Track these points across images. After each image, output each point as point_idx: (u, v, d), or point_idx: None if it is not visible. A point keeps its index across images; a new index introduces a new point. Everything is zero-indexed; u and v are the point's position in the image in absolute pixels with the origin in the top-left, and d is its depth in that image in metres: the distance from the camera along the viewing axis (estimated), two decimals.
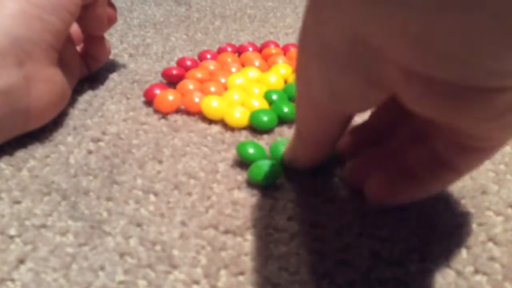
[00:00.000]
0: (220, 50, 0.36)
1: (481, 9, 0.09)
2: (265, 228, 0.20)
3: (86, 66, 0.31)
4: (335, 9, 0.13)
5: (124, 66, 0.34)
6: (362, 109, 0.16)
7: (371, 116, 0.22)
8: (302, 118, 0.19)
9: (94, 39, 0.30)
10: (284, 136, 0.26)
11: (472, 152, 0.15)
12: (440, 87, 0.11)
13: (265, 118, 0.26)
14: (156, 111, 0.29)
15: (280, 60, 0.33)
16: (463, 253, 0.19)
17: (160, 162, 0.24)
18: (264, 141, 0.26)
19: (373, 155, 0.21)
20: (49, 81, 0.25)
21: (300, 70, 0.17)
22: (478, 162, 0.16)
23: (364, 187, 0.20)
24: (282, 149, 0.23)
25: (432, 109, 0.12)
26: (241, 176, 0.23)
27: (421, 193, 0.18)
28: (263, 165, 0.22)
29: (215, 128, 0.27)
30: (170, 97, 0.28)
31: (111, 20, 0.31)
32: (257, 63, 0.33)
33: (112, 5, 0.31)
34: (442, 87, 0.11)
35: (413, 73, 0.11)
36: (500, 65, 0.10)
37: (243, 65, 0.34)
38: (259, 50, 0.36)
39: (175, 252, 0.19)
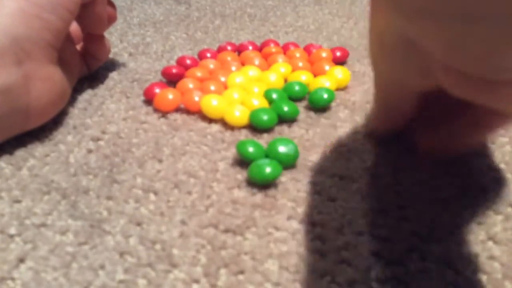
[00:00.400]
0: (220, 49, 0.36)
1: (490, 21, 0.11)
2: (265, 227, 0.20)
3: (86, 65, 0.31)
4: (387, 15, 0.16)
5: (124, 65, 0.34)
6: (417, 90, 0.19)
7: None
8: (377, 90, 0.22)
9: (94, 38, 0.30)
10: (284, 136, 0.26)
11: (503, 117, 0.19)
12: (468, 79, 0.14)
13: (265, 117, 0.26)
14: (156, 110, 0.29)
15: (280, 59, 0.33)
16: (463, 252, 0.19)
17: (160, 161, 0.24)
18: (264, 140, 0.26)
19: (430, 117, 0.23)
20: (48, 80, 0.25)
21: (371, 52, 0.20)
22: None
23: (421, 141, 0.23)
24: (280, 148, 0.23)
25: (465, 94, 0.15)
26: (241, 175, 0.23)
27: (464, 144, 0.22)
28: (263, 164, 0.22)
29: (215, 127, 0.27)
30: (170, 96, 0.28)
31: (111, 19, 0.30)
32: (257, 62, 0.33)
33: (112, 4, 0.31)
34: (470, 79, 0.14)
35: (450, 68, 0.14)
36: (508, 64, 0.13)
37: (243, 64, 0.34)
38: (259, 49, 0.36)
39: (175, 251, 0.19)
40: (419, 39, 0.14)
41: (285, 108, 0.27)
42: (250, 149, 0.23)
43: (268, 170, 0.22)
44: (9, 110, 0.23)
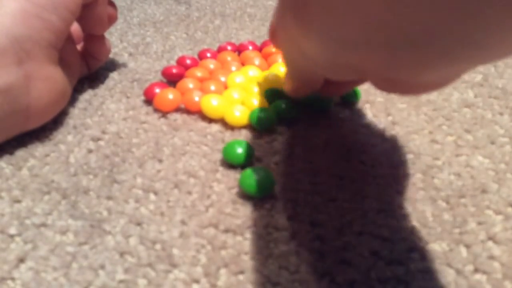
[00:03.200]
0: (220, 49, 0.36)
1: (377, 48, 0.13)
2: (265, 227, 0.20)
3: (86, 65, 0.31)
4: (312, 44, 0.16)
5: (124, 65, 0.34)
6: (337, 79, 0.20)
7: None
8: (288, 69, 0.23)
9: (94, 38, 0.30)
10: (284, 136, 0.26)
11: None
12: (396, 83, 0.15)
13: (264, 118, 0.26)
14: (156, 110, 0.29)
15: (280, 59, 0.33)
16: (463, 252, 0.19)
17: (160, 161, 0.24)
18: (263, 140, 0.26)
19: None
20: (49, 80, 0.25)
21: (281, 44, 0.21)
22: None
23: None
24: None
25: (390, 91, 0.17)
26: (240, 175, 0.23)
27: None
28: (254, 176, 0.21)
29: (215, 127, 0.27)
30: (170, 96, 0.28)
31: (112, 19, 0.30)
32: (257, 62, 0.33)
33: (112, 4, 0.30)
34: (398, 83, 0.15)
35: (380, 77, 0.16)
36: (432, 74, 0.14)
37: (243, 64, 0.34)
38: (259, 49, 0.36)
39: (175, 251, 0.19)
40: (352, 62, 0.15)
41: (285, 108, 0.27)
42: (239, 150, 0.23)
43: (260, 182, 0.21)
44: (9, 110, 0.23)
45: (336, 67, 0.17)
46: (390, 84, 0.16)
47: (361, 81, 0.24)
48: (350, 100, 0.29)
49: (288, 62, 0.23)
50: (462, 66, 0.13)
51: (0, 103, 0.22)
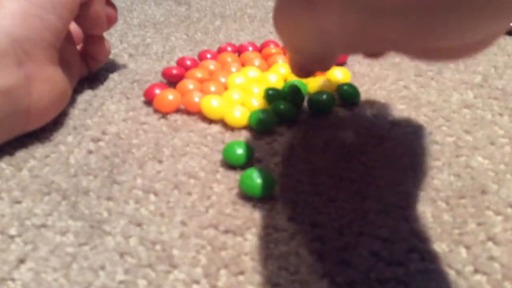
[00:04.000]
0: (220, 50, 0.36)
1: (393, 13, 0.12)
2: (265, 228, 0.20)
3: (86, 66, 0.31)
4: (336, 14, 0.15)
5: (124, 66, 0.34)
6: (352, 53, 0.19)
7: None
8: (291, 58, 0.22)
9: (93, 39, 0.30)
10: (284, 136, 0.26)
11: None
12: (425, 51, 0.15)
13: (264, 119, 0.26)
14: (156, 111, 0.29)
15: (280, 59, 0.33)
16: (463, 252, 0.19)
17: (160, 162, 0.24)
18: (263, 141, 0.26)
19: None
20: (49, 80, 0.25)
21: (280, 18, 0.18)
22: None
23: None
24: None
25: (419, 59, 0.16)
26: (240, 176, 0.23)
27: None
28: (254, 177, 0.21)
29: (215, 128, 0.27)
30: (170, 97, 0.28)
31: (111, 20, 0.30)
32: (257, 63, 0.33)
33: (112, 5, 0.30)
34: (426, 51, 0.15)
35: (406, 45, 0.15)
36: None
37: (243, 65, 0.34)
38: (259, 49, 0.36)
39: (175, 252, 0.19)
40: (382, 32, 0.14)
41: (283, 108, 0.27)
42: (239, 151, 0.23)
43: (261, 182, 0.21)
44: (10, 111, 0.23)
45: (361, 40, 0.15)
46: (423, 52, 0.15)
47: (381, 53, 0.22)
48: (350, 100, 0.29)
49: (295, 43, 0.20)
50: (505, 21, 0.13)
51: (1, 104, 0.22)
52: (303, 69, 0.23)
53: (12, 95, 0.23)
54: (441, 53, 0.15)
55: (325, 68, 0.22)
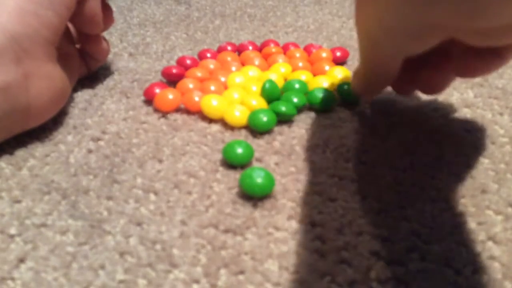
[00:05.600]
0: (220, 49, 0.36)
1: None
2: (265, 227, 0.20)
3: (85, 65, 0.31)
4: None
5: (124, 65, 0.34)
6: (415, 50, 0.19)
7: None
8: (364, 55, 0.23)
9: (90, 38, 0.30)
10: (284, 135, 0.26)
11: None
12: (484, 32, 0.16)
13: (264, 119, 0.26)
14: (156, 110, 0.29)
15: (280, 59, 0.33)
16: (463, 252, 0.19)
17: (160, 161, 0.24)
18: (263, 140, 0.26)
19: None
20: (48, 77, 0.25)
21: (358, 11, 0.21)
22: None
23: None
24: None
25: (479, 42, 0.17)
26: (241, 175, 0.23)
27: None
28: (254, 176, 0.21)
29: (215, 127, 0.27)
30: (170, 96, 0.28)
31: (108, 21, 0.30)
32: (257, 62, 0.33)
33: (107, 5, 0.30)
34: (485, 32, 0.16)
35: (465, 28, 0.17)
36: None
37: (243, 64, 0.34)
38: (259, 49, 0.36)
39: (175, 251, 0.19)
40: (437, 19, 0.15)
41: (283, 108, 0.27)
42: (239, 150, 0.23)
43: (261, 181, 0.21)
44: (9, 109, 0.23)
45: (418, 30, 0.17)
46: (482, 36, 0.16)
47: (443, 64, 0.23)
48: (350, 100, 0.29)
49: (364, 44, 0.22)
50: None
51: (0, 102, 0.22)
52: (369, 84, 0.25)
53: (10, 92, 0.23)
54: (491, 34, 0.16)
55: (385, 82, 0.24)
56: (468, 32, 0.16)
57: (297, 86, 0.29)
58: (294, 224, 0.20)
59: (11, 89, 0.23)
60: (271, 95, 0.28)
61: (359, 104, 0.29)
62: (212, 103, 0.27)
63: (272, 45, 0.36)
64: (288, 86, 0.29)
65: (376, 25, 0.19)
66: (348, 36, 0.40)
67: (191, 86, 0.30)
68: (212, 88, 0.29)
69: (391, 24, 0.18)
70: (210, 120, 0.28)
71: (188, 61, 0.33)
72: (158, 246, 0.19)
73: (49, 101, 0.25)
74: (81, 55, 0.31)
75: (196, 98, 0.28)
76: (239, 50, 0.36)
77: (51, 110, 0.26)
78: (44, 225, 0.20)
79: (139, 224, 0.20)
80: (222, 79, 0.31)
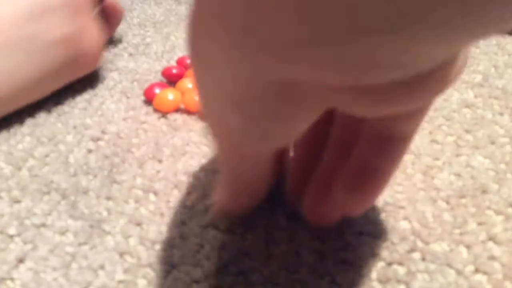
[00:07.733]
0: None
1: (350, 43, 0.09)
2: (265, 227, 0.20)
3: (107, 27, 0.33)
4: (242, 56, 0.11)
5: (124, 65, 0.34)
6: (291, 138, 0.15)
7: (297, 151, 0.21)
8: (224, 161, 0.17)
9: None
10: None
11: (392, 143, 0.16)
12: (364, 92, 0.12)
13: None
14: (156, 110, 0.29)
15: None
16: (463, 252, 0.19)
17: (160, 161, 0.24)
18: None
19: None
20: (95, 30, 0.28)
21: (206, 110, 0.15)
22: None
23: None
24: None
25: (366, 108, 0.13)
26: None
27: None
28: None
29: None
30: (170, 96, 0.28)
31: (117, 16, 0.33)
32: None
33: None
34: (366, 92, 0.12)
35: (343, 88, 0.12)
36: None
37: None
38: None
39: (175, 251, 0.19)
40: (304, 75, 0.11)
41: None
42: None
43: None
44: (67, 58, 0.27)
45: (278, 90, 0.12)
46: (360, 96, 0.12)
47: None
48: None
49: (218, 141, 0.16)
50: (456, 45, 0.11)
51: (60, 51, 0.26)
52: (238, 195, 0.18)
53: (69, 43, 0.26)
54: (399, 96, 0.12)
55: (262, 185, 0.18)
56: (348, 93, 0.12)
57: None
58: (294, 224, 0.20)
59: (70, 40, 0.26)
60: None
61: None
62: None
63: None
64: None
65: (224, 102, 0.13)
66: None
67: (191, 86, 0.30)
68: None
69: (239, 89, 0.12)
70: None
71: (188, 61, 0.33)
72: (157, 246, 0.19)
73: (96, 51, 0.29)
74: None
75: (196, 98, 0.28)
76: None
77: (96, 60, 0.30)
78: (43, 225, 0.20)
79: (138, 224, 0.20)
80: None
